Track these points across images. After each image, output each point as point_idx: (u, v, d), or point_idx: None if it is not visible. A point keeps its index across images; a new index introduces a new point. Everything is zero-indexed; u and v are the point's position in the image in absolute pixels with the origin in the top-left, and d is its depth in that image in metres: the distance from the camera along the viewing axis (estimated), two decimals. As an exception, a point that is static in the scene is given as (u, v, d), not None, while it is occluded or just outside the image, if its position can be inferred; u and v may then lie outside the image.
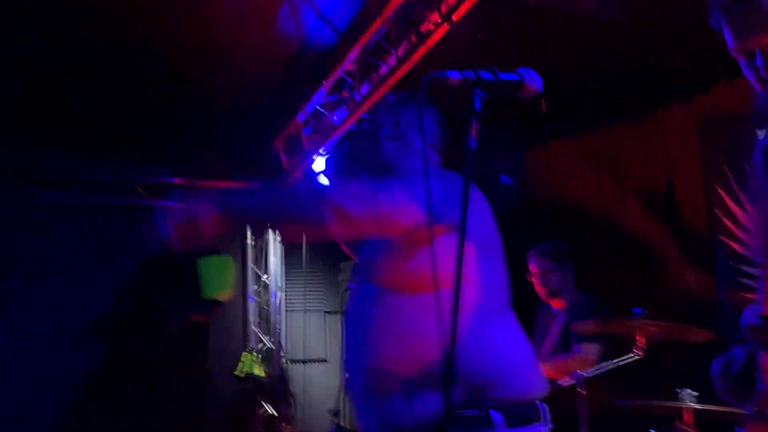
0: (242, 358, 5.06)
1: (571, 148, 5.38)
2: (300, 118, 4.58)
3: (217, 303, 4.50)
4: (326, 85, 4.15)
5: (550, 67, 1.82)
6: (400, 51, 3.55)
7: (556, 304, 3.79)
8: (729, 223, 5.26)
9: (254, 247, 5.42)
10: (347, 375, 1.87)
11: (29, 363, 4.61)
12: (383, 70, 3.76)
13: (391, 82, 3.80)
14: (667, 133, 4.86)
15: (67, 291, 4.64)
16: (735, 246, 5.40)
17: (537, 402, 1.76)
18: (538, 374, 1.81)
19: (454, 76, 1.57)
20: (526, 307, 3.98)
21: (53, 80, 4.20)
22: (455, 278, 1.34)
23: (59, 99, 4.38)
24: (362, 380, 1.78)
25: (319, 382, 5.02)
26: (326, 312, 5.31)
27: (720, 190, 4.60)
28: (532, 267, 3.79)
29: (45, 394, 4.66)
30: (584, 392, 3.13)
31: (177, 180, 5.31)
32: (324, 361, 5.15)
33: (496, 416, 1.66)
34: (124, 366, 4.59)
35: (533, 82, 1.60)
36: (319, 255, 5.33)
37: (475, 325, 1.69)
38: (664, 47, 4.19)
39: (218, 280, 4.47)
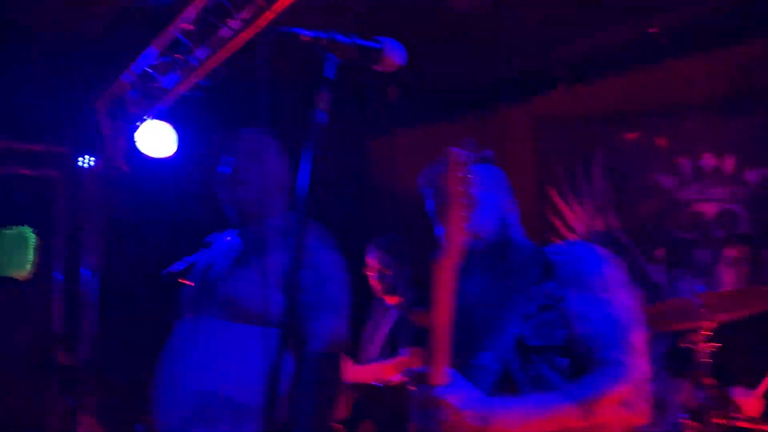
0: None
1: (415, 139, 5.34)
2: (126, 78, 4.10)
3: (14, 281, 3.93)
4: (158, 44, 3.74)
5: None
6: (245, 13, 3.24)
7: (391, 300, 3.67)
8: (558, 223, 5.43)
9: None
10: (160, 402, 1.94)
11: None
12: (225, 32, 3.43)
13: (233, 47, 3.48)
14: (506, 129, 4.95)
15: None
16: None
17: None
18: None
19: (307, 34, 1.37)
20: (364, 299, 3.84)
21: None
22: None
23: None
24: (187, 406, 1.85)
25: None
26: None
27: (551, 191, 4.77)
28: (370, 261, 3.63)
29: None
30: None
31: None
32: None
33: None
34: None
35: (395, 54, 1.42)
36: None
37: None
38: (509, 47, 4.22)
39: (15, 255, 3.90)
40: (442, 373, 1.30)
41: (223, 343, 1.87)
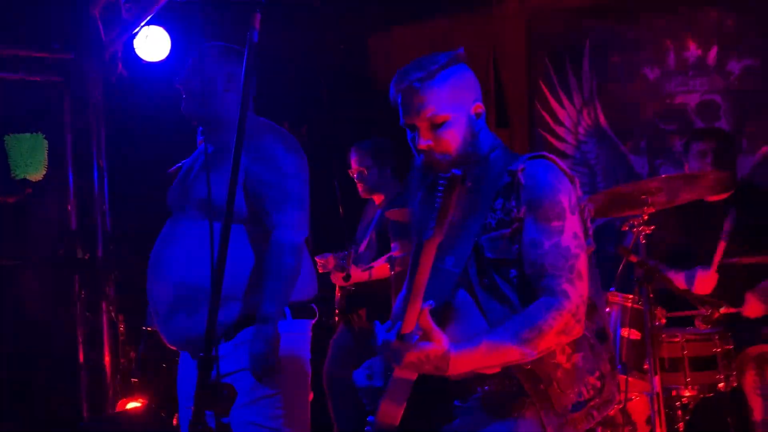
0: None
1: (411, 35, 5.38)
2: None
3: (28, 183, 4.19)
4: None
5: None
6: None
7: (377, 198, 3.88)
8: (547, 117, 5.53)
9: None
10: (150, 292, 2.23)
11: None
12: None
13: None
14: (499, 25, 4.99)
15: None
16: (551, 139, 5.70)
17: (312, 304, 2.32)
18: (313, 282, 2.34)
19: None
20: (357, 201, 4.06)
21: None
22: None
23: None
24: (170, 295, 2.14)
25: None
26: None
27: (541, 84, 4.86)
28: (352, 162, 3.83)
29: None
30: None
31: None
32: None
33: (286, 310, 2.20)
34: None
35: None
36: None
37: None
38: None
39: (29, 159, 4.15)
40: (411, 320, 1.52)
41: (197, 238, 2.13)
